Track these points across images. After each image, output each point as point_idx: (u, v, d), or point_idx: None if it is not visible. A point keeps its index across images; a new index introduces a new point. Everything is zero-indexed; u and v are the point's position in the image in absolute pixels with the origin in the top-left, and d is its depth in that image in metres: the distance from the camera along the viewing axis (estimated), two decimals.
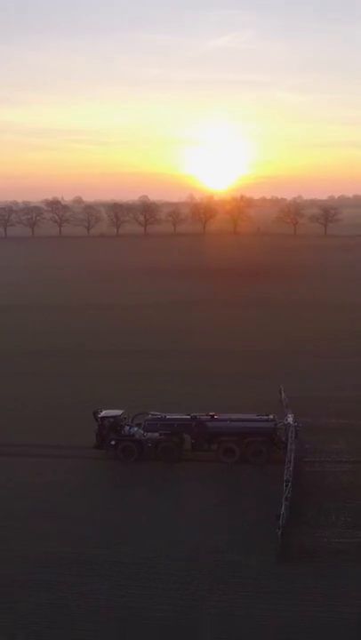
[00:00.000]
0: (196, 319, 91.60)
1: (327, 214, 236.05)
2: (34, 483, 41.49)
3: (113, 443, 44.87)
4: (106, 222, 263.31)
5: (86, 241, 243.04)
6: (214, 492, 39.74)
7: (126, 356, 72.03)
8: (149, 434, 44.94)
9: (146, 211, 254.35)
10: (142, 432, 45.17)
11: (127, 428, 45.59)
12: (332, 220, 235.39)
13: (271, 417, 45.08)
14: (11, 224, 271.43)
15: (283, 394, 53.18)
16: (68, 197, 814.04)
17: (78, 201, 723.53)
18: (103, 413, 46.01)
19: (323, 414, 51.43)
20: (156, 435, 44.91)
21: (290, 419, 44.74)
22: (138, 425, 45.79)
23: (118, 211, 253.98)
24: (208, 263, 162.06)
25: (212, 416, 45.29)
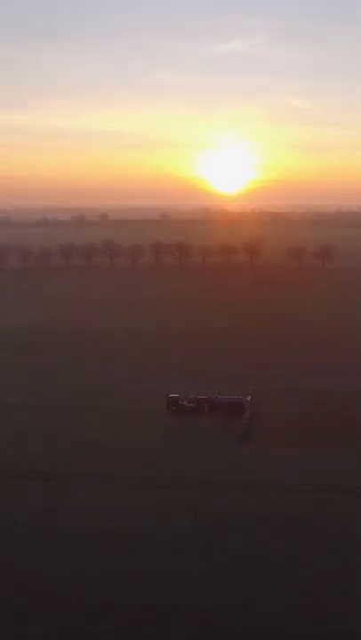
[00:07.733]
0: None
1: (325, 252, 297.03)
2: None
3: (174, 408, 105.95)
4: (147, 256, 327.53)
5: (143, 271, 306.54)
6: (214, 425, 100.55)
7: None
8: (190, 404, 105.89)
9: (181, 247, 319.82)
10: (186, 403, 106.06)
11: (180, 401, 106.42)
12: (328, 255, 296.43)
13: (241, 397, 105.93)
14: (71, 256, 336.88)
15: (250, 388, 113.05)
16: (84, 204, 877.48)
17: (104, 217, 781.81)
18: (170, 395, 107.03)
19: (276, 398, 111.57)
20: (192, 404, 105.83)
21: (248, 398, 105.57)
22: (185, 400, 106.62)
23: (160, 247, 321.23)
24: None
25: (216, 396, 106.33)
